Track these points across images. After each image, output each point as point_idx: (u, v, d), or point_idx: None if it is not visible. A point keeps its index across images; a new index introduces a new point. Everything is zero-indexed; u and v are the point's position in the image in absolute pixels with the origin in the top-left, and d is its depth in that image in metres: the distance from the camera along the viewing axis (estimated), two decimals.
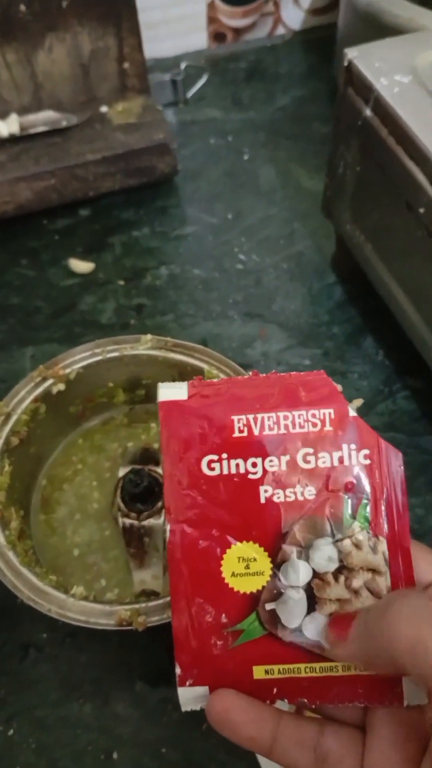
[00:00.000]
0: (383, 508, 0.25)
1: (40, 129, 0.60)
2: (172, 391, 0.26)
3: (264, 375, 0.26)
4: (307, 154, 0.69)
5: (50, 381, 0.40)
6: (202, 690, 0.24)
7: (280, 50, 0.78)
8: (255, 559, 0.25)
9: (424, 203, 0.40)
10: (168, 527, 0.25)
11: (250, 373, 0.27)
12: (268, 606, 0.24)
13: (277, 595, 0.25)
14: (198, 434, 0.25)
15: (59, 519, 0.43)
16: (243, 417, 0.25)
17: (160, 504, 0.40)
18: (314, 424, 0.25)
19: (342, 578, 0.25)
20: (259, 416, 0.25)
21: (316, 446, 0.25)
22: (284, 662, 0.25)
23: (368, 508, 0.25)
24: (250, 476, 0.25)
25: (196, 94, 0.73)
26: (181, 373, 0.42)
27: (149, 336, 0.41)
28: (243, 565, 0.25)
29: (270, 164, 0.68)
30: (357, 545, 0.25)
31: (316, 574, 0.25)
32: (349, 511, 0.25)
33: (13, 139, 0.59)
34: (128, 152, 0.59)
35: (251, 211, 0.64)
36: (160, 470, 0.41)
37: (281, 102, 0.74)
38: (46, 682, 0.41)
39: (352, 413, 0.26)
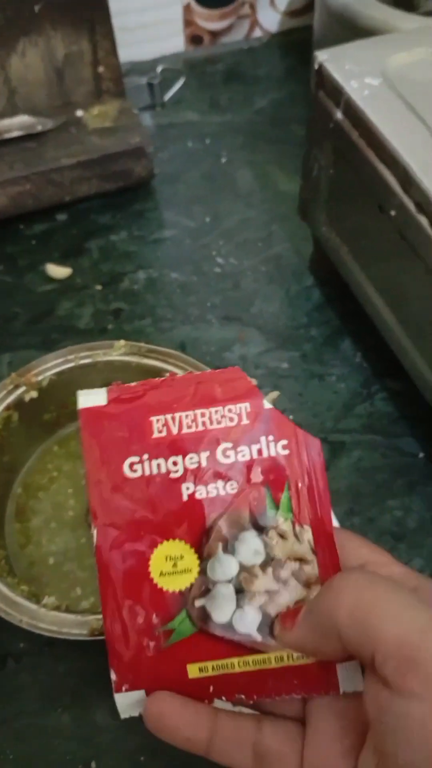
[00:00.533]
0: (306, 496, 0.26)
1: (15, 134, 0.59)
2: (91, 398, 0.26)
3: (180, 375, 0.27)
4: (285, 156, 0.69)
5: (22, 388, 0.40)
6: (139, 694, 0.24)
7: (258, 53, 0.79)
8: (182, 557, 0.25)
9: (396, 206, 0.40)
10: (94, 531, 0.25)
11: (167, 375, 0.27)
12: (198, 603, 0.25)
13: (205, 591, 0.25)
14: (118, 438, 0.25)
15: (34, 527, 0.42)
16: (161, 417, 0.25)
17: None
18: (231, 419, 0.26)
19: (270, 570, 0.25)
20: (177, 415, 0.26)
21: (235, 441, 0.26)
22: (217, 658, 0.25)
23: (290, 498, 0.25)
24: (172, 475, 0.25)
25: (174, 97, 0.73)
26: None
27: (123, 342, 0.41)
28: (170, 564, 0.25)
29: (248, 167, 0.68)
30: (282, 535, 0.25)
31: (243, 568, 0.25)
32: (272, 502, 0.25)
33: None
34: (104, 156, 0.59)
35: (229, 214, 0.64)
36: None
37: (259, 104, 0.74)
38: (25, 693, 0.41)
39: (268, 405, 0.26)
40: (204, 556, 0.25)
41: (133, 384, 0.26)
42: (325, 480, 0.26)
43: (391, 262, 0.44)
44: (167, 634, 0.24)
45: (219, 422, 0.26)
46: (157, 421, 0.25)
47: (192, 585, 0.25)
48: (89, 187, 0.60)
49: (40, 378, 0.40)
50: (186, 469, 0.25)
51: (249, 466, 0.26)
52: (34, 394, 0.40)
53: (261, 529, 0.25)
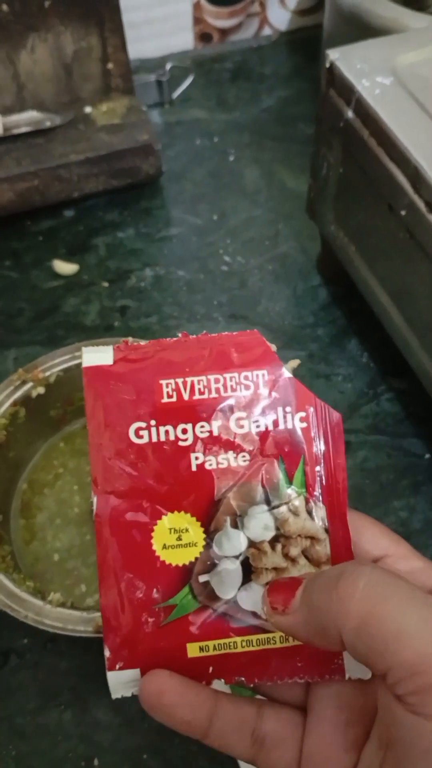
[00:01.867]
0: (322, 472, 0.24)
1: (23, 130, 0.59)
2: (96, 356, 0.24)
3: (194, 336, 0.25)
4: (292, 154, 0.69)
5: (30, 384, 0.40)
6: (134, 673, 0.23)
7: (266, 51, 0.78)
8: (187, 530, 0.23)
9: (406, 205, 0.40)
10: (94, 499, 0.23)
11: (179, 334, 0.25)
12: (202, 578, 0.23)
13: (210, 567, 0.23)
14: (125, 401, 0.23)
15: (39, 524, 0.42)
16: (172, 381, 0.24)
17: None
18: (247, 387, 0.24)
19: (279, 546, 0.24)
20: (189, 380, 0.24)
21: (249, 410, 0.24)
22: (219, 637, 0.23)
23: (305, 473, 0.24)
24: (180, 443, 0.24)
25: (182, 94, 0.72)
26: None
27: (130, 339, 0.41)
28: (175, 537, 0.23)
29: (255, 165, 0.68)
30: (294, 512, 0.24)
31: (251, 543, 0.24)
32: (285, 476, 0.24)
33: None
34: (112, 153, 0.58)
35: (236, 212, 0.64)
36: None
37: (267, 103, 0.73)
38: (26, 690, 0.41)
39: (287, 374, 0.24)
40: (211, 530, 0.23)
41: (142, 343, 0.24)
42: (343, 457, 0.24)
43: (400, 261, 0.44)
44: (168, 610, 0.23)
45: (234, 389, 0.24)
46: (167, 384, 0.24)
47: (196, 559, 0.23)
48: (96, 184, 0.60)
49: (47, 374, 0.40)
50: (196, 438, 0.24)
51: (263, 437, 0.24)
52: (41, 390, 0.40)
53: (272, 504, 0.24)
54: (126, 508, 0.23)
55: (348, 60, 0.43)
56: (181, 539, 0.23)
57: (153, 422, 0.23)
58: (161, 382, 0.24)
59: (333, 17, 0.65)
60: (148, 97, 0.69)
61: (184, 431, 0.24)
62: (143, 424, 0.23)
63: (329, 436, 0.24)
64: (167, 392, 0.24)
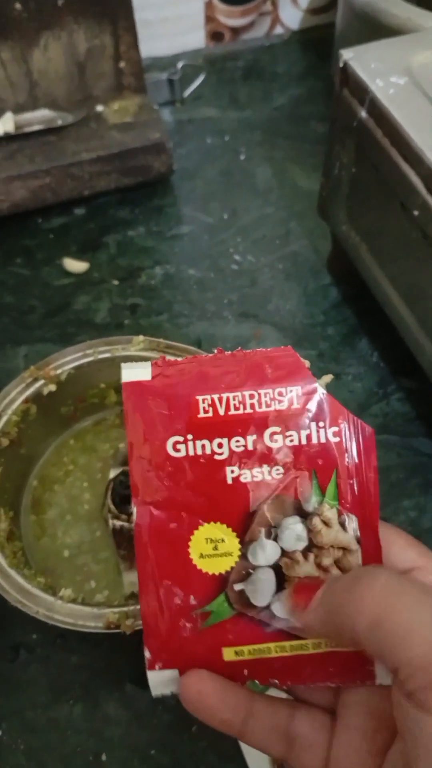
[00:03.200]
0: (355, 485, 0.25)
1: (36, 128, 0.59)
2: (135, 372, 0.25)
3: (229, 353, 0.25)
4: (303, 153, 0.69)
5: (41, 382, 0.40)
6: (172, 673, 0.24)
7: (278, 49, 0.78)
8: (223, 540, 0.24)
9: (419, 205, 0.40)
10: (135, 509, 0.24)
11: (215, 351, 0.26)
12: (237, 586, 0.24)
13: (245, 576, 0.24)
14: (162, 415, 0.24)
15: (50, 520, 0.42)
16: (208, 397, 0.25)
17: None
18: (281, 402, 0.25)
19: (311, 556, 0.24)
20: (225, 396, 0.25)
21: (284, 425, 0.25)
22: (254, 642, 0.24)
23: (337, 486, 0.25)
24: (216, 457, 0.24)
25: (193, 93, 0.72)
26: None
27: (141, 337, 0.41)
28: (211, 546, 0.24)
29: (266, 163, 0.68)
30: (326, 523, 0.25)
31: (284, 553, 0.24)
32: (318, 489, 0.25)
33: (8, 138, 0.59)
34: (124, 151, 0.59)
35: (247, 211, 0.64)
36: None
37: (278, 101, 0.73)
38: (37, 684, 0.41)
39: (321, 390, 0.25)
40: (246, 541, 0.24)
41: (179, 359, 0.25)
42: (375, 471, 0.25)
43: (412, 261, 0.44)
44: (204, 616, 0.24)
45: (268, 405, 0.25)
46: (203, 400, 0.25)
47: (232, 568, 0.24)
48: (108, 182, 0.60)
49: (58, 372, 0.40)
50: (231, 452, 0.24)
51: (297, 451, 0.25)
52: (52, 387, 0.40)
53: (305, 516, 0.25)
54: (165, 519, 0.24)
55: (362, 60, 0.43)
56: (217, 549, 0.24)
57: (190, 436, 0.24)
58: (198, 397, 0.25)
59: (346, 16, 0.65)
60: (159, 95, 0.69)
61: (220, 445, 0.25)
62: (180, 438, 0.24)
63: (362, 450, 0.25)
64: (203, 407, 0.25)
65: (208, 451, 0.24)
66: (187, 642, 0.24)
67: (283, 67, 0.77)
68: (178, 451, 0.24)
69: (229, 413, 0.25)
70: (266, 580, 0.24)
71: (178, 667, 0.24)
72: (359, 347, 0.55)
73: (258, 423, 0.25)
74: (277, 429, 0.25)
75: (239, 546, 0.24)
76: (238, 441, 0.25)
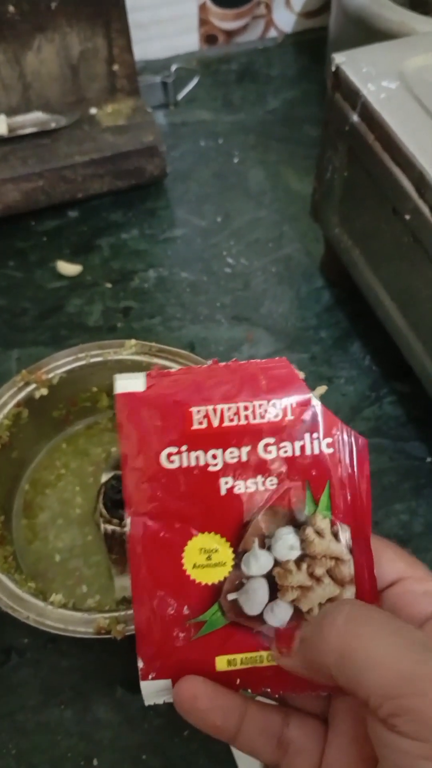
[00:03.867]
0: (348, 496, 0.25)
1: (29, 130, 0.59)
2: (129, 383, 0.25)
3: (224, 363, 0.25)
4: (297, 156, 0.69)
5: (33, 386, 0.40)
6: (165, 683, 0.24)
7: (272, 52, 0.78)
8: (217, 550, 0.24)
9: (410, 209, 0.40)
10: (128, 520, 0.24)
11: (210, 362, 0.26)
12: (231, 596, 0.24)
13: (239, 585, 0.24)
14: (157, 426, 0.24)
15: (41, 524, 0.42)
16: (202, 408, 0.24)
17: None
18: (275, 414, 0.25)
19: (304, 566, 0.24)
20: (219, 407, 0.24)
21: (278, 436, 0.25)
22: (246, 651, 0.24)
23: (330, 497, 0.25)
24: (210, 468, 0.24)
25: (187, 95, 0.73)
26: None
27: (133, 341, 0.41)
28: (205, 557, 0.24)
29: (260, 166, 0.68)
30: (319, 533, 0.25)
31: (277, 563, 0.24)
32: (311, 499, 0.25)
33: (1, 140, 0.59)
34: (117, 154, 0.59)
35: (240, 214, 0.64)
36: None
37: (272, 104, 0.74)
38: (27, 687, 0.41)
39: (315, 401, 0.25)
40: (239, 551, 0.24)
41: (173, 370, 0.25)
42: (368, 481, 0.25)
43: (404, 265, 0.44)
44: (198, 626, 0.24)
45: (263, 416, 0.25)
46: (198, 412, 0.24)
47: (225, 578, 0.24)
48: (101, 185, 0.60)
49: (50, 375, 0.40)
50: (225, 463, 0.24)
51: (290, 462, 0.25)
52: (44, 391, 0.40)
53: (299, 526, 0.25)
54: (158, 529, 0.24)
55: (354, 64, 0.43)
56: (210, 559, 0.24)
57: (184, 447, 0.24)
58: (192, 409, 0.24)
59: (339, 20, 0.65)
60: (153, 98, 0.69)
61: (214, 456, 0.24)
62: (174, 450, 0.24)
63: (355, 460, 0.25)
64: (198, 419, 0.24)
65: (202, 462, 0.24)
66: (180, 651, 0.24)
67: (277, 70, 0.77)
68: (172, 462, 0.24)
69: (224, 425, 0.24)
70: (259, 589, 0.24)
71: (171, 677, 0.24)
72: (352, 350, 0.55)
73: (252, 434, 0.25)
74: (271, 440, 0.25)
75: (233, 556, 0.24)
76: (232, 452, 0.25)
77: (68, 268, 0.59)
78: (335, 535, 0.25)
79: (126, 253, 0.61)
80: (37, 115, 0.61)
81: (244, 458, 0.25)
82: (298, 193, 0.65)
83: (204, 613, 0.24)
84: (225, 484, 0.24)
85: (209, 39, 0.76)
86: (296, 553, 0.24)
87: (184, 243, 0.62)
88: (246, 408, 0.25)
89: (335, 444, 0.25)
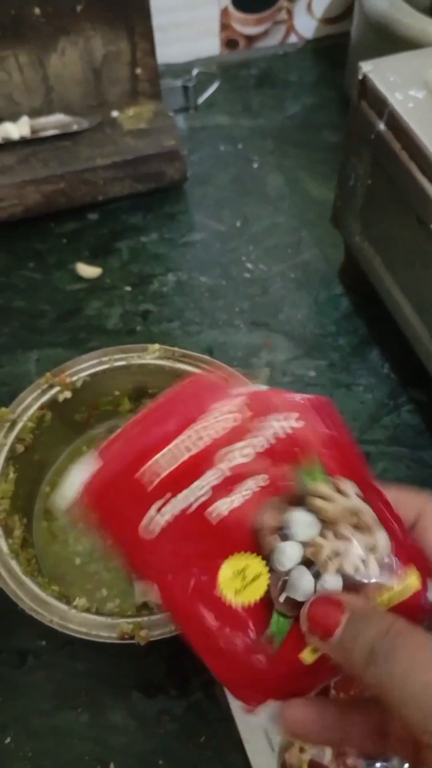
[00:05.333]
0: (335, 455, 0.25)
1: (51, 132, 0.59)
2: (81, 474, 0.24)
3: (155, 403, 0.25)
4: (315, 162, 0.69)
5: (57, 388, 0.40)
6: (271, 706, 0.24)
7: (291, 58, 0.78)
8: (247, 566, 0.24)
9: None
10: (154, 590, 0.24)
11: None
12: (281, 598, 0.24)
13: (284, 584, 0.24)
14: (125, 500, 0.24)
15: (61, 527, 0.42)
16: (161, 454, 0.24)
17: None
18: (234, 419, 0.24)
19: (330, 534, 0.24)
20: (175, 443, 0.24)
21: (246, 436, 0.24)
22: None
23: (321, 462, 0.25)
24: (201, 499, 0.24)
25: (207, 100, 0.73)
26: None
27: (157, 346, 0.41)
28: (240, 579, 0.24)
29: (278, 172, 0.68)
30: (325, 497, 0.24)
31: (305, 545, 0.24)
32: (304, 474, 0.25)
33: (23, 142, 0.59)
34: (138, 158, 0.59)
35: (259, 219, 0.64)
36: None
37: (291, 110, 0.74)
38: (43, 690, 0.41)
39: (257, 387, 0.25)
40: (266, 554, 0.24)
41: (111, 438, 0.25)
42: (347, 433, 0.25)
43: (426, 274, 0.44)
44: (270, 640, 0.24)
45: (224, 428, 0.24)
46: (155, 462, 0.24)
47: (269, 586, 0.24)
48: (122, 188, 0.60)
49: (74, 378, 0.40)
50: (212, 487, 0.24)
51: (270, 452, 0.24)
52: (68, 394, 0.40)
53: (304, 502, 0.24)
54: (184, 581, 0.24)
55: (381, 72, 0.43)
56: (245, 577, 0.24)
57: (168, 495, 0.24)
58: (147, 464, 0.24)
59: (361, 26, 0.65)
60: (173, 101, 0.69)
61: (200, 487, 0.24)
62: (160, 503, 0.24)
63: (327, 420, 0.25)
64: (159, 467, 0.24)
65: (190, 500, 0.24)
66: (267, 672, 0.24)
67: (296, 75, 0.77)
68: (163, 515, 0.24)
69: (191, 455, 0.24)
70: (302, 577, 0.24)
71: (272, 697, 0.24)
72: (370, 358, 0.55)
73: (222, 448, 0.24)
74: (242, 444, 0.24)
75: (263, 563, 0.24)
76: (213, 473, 0.24)
77: (88, 271, 0.59)
78: (342, 492, 0.25)
79: (145, 256, 0.61)
80: (59, 118, 0.61)
81: (227, 473, 0.24)
82: (317, 198, 0.65)
83: (269, 626, 0.24)
84: (222, 506, 0.24)
85: (230, 43, 0.77)
86: (316, 527, 0.24)
87: (203, 247, 0.62)
88: (204, 429, 0.24)
89: (303, 415, 0.25)
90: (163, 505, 0.24)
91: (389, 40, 0.60)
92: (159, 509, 0.24)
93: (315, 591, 0.24)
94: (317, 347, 0.55)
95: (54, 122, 0.60)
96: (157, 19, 0.59)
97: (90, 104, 0.62)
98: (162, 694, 0.41)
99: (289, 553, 0.24)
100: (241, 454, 0.24)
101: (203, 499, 0.24)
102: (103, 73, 0.60)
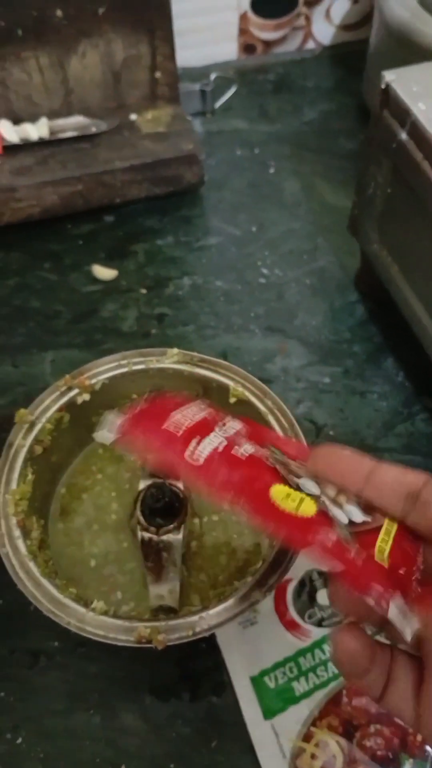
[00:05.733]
0: (282, 445, 0.30)
1: (69, 134, 0.60)
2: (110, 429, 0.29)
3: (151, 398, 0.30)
4: (332, 168, 0.69)
5: (75, 391, 0.40)
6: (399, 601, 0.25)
7: (309, 64, 0.79)
8: (289, 494, 0.26)
9: None
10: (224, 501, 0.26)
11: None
12: (330, 513, 0.26)
13: (323, 504, 0.26)
14: (166, 436, 0.27)
15: (77, 528, 0.42)
16: (172, 418, 0.28)
17: (179, 520, 0.40)
18: (203, 413, 0.29)
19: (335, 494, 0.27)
20: (176, 414, 0.28)
21: (216, 422, 0.29)
22: (377, 539, 0.25)
23: (274, 446, 0.29)
24: (220, 448, 0.27)
25: (224, 104, 0.73)
26: (205, 388, 0.42)
27: (176, 350, 0.41)
28: (291, 501, 0.26)
29: (294, 177, 0.68)
30: (299, 465, 0.28)
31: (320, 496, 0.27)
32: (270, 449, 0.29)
33: (42, 143, 0.59)
34: (156, 161, 0.59)
35: (275, 224, 0.64)
36: (180, 484, 0.40)
37: (308, 116, 0.74)
38: (55, 691, 0.41)
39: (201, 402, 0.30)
40: (295, 487, 0.27)
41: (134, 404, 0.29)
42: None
43: None
44: (346, 541, 0.25)
45: (199, 417, 0.29)
46: (170, 421, 0.28)
47: (316, 504, 0.26)
48: (139, 191, 0.60)
49: (93, 381, 0.41)
50: (225, 437, 0.28)
51: (239, 435, 0.29)
52: (86, 396, 0.40)
53: (287, 466, 0.27)
54: (252, 494, 0.26)
55: (404, 82, 0.43)
56: (294, 499, 0.26)
57: (198, 437, 0.27)
58: (169, 420, 0.28)
59: (380, 34, 0.65)
60: (191, 105, 0.70)
61: (216, 436, 0.28)
62: (196, 441, 0.27)
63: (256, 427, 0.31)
64: (180, 422, 0.28)
65: (216, 443, 0.27)
66: (363, 566, 0.24)
67: (314, 81, 0.77)
68: (203, 449, 0.27)
69: (193, 422, 0.28)
70: (330, 505, 0.26)
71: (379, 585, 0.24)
72: (385, 366, 0.55)
73: (208, 423, 0.29)
74: (216, 428, 0.29)
75: (297, 491, 0.26)
76: (216, 432, 0.28)
77: (104, 273, 0.59)
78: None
79: (161, 259, 0.61)
80: (78, 120, 0.61)
81: (228, 433, 0.28)
82: (333, 205, 0.65)
83: (338, 531, 0.25)
84: (236, 450, 0.27)
85: (247, 48, 0.77)
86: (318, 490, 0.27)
87: (219, 251, 0.62)
88: (184, 417, 0.29)
89: (244, 422, 0.30)
90: (199, 442, 0.27)
91: (409, 49, 0.60)
92: (198, 444, 0.27)
93: (348, 518, 0.26)
94: (332, 354, 0.56)
95: (73, 124, 0.60)
96: (177, 24, 0.59)
97: (109, 107, 0.62)
98: (174, 697, 0.41)
99: (310, 486, 0.27)
100: (221, 430, 0.28)
101: (224, 445, 0.27)
102: (123, 76, 0.61)
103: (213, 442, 0.27)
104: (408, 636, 0.23)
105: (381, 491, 0.25)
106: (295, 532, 0.25)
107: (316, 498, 0.26)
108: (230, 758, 0.40)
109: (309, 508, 0.26)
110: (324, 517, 0.26)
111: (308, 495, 0.26)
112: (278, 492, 0.26)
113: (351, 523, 0.26)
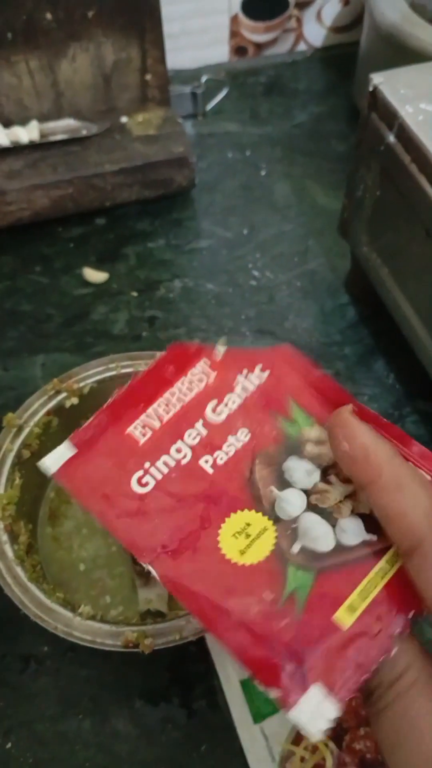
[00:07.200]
0: (313, 395, 0.25)
1: (60, 137, 0.60)
2: (56, 457, 0.25)
3: (123, 387, 0.26)
4: (323, 171, 0.69)
5: (63, 394, 0.40)
6: (316, 695, 0.20)
7: (300, 66, 0.79)
8: (248, 524, 0.22)
9: None
10: (151, 569, 0.22)
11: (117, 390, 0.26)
12: (295, 548, 0.22)
13: (293, 533, 0.22)
14: (108, 469, 0.23)
15: (66, 533, 0.42)
16: (137, 423, 0.24)
17: None
18: (200, 379, 0.25)
19: (333, 477, 0.23)
20: (150, 411, 0.24)
21: (217, 395, 0.25)
22: (357, 583, 0.21)
23: (300, 407, 0.24)
24: (183, 462, 0.24)
25: (215, 107, 0.73)
26: None
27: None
28: (243, 538, 0.22)
29: (286, 180, 0.68)
30: (319, 441, 0.24)
31: (308, 492, 0.23)
32: (288, 422, 0.24)
33: (32, 146, 0.59)
34: (147, 164, 0.59)
35: (266, 227, 0.64)
36: None
37: (299, 118, 0.74)
38: (46, 696, 0.41)
39: (220, 355, 0.26)
40: (267, 508, 0.22)
41: (89, 420, 0.25)
42: (316, 370, 0.25)
43: None
44: (292, 600, 0.21)
45: (190, 389, 0.25)
46: (135, 428, 0.24)
47: (277, 539, 0.22)
48: (130, 194, 0.60)
49: (81, 385, 0.41)
50: (192, 447, 0.24)
51: (245, 407, 0.24)
52: (75, 400, 0.40)
53: (297, 451, 0.24)
54: (182, 549, 0.22)
55: (392, 85, 0.43)
56: (249, 535, 0.22)
57: (147, 464, 0.24)
58: (128, 431, 0.24)
59: (371, 37, 0.65)
60: (182, 108, 0.70)
61: (179, 450, 0.24)
62: (140, 473, 0.23)
63: (294, 363, 0.25)
64: (140, 433, 0.24)
65: (172, 464, 0.24)
66: (294, 639, 0.20)
67: (305, 83, 0.77)
68: (145, 485, 0.23)
69: (165, 420, 0.24)
70: (315, 522, 0.22)
71: (316, 680, 0.20)
72: (375, 368, 0.55)
73: (194, 409, 0.24)
74: (215, 402, 0.25)
75: (266, 517, 0.22)
76: (189, 434, 0.24)
77: (95, 275, 0.59)
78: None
79: (152, 262, 0.61)
80: (68, 122, 0.61)
81: (203, 432, 0.24)
82: (324, 207, 0.65)
83: (286, 584, 0.21)
84: (206, 463, 0.24)
85: (239, 51, 0.77)
86: (317, 474, 0.23)
87: (210, 254, 0.62)
88: (172, 394, 0.25)
89: (267, 365, 0.25)
90: (144, 475, 0.23)
91: (399, 52, 0.60)
92: (145, 471, 0.23)
93: (336, 539, 0.22)
94: (323, 356, 0.56)
95: (63, 127, 0.60)
96: (167, 26, 0.59)
97: (99, 110, 0.62)
98: (165, 702, 0.41)
99: (294, 500, 0.23)
100: (214, 412, 0.24)
101: (185, 461, 0.24)
102: (113, 79, 0.61)
103: (169, 462, 0.23)
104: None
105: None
106: (208, 606, 0.21)
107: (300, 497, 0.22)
108: (220, 762, 0.39)
109: (259, 550, 0.22)
110: (274, 562, 0.21)
111: (274, 520, 0.22)
112: (229, 528, 0.22)
113: (339, 547, 0.22)
